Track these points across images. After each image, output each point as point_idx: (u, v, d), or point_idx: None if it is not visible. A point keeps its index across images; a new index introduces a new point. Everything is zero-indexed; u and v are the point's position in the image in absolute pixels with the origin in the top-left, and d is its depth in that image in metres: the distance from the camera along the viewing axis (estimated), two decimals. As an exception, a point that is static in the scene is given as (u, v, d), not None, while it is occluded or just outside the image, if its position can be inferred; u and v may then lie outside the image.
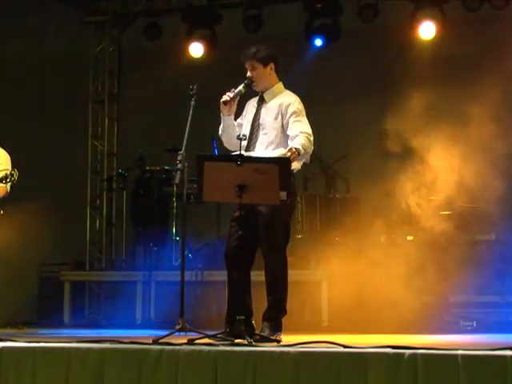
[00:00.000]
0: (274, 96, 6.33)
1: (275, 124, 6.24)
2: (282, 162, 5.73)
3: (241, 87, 6.24)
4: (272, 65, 6.32)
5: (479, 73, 10.37)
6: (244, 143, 6.02)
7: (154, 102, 11.61)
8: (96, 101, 11.86)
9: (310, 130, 6.16)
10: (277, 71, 6.38)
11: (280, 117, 6.24)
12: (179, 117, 6.46)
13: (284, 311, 6.16)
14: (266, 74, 6.31)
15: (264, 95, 6.36)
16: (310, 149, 6.10)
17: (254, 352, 4.98)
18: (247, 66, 6.33)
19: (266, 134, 6.24)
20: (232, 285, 6.23)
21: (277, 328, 6.05)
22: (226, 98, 6.22)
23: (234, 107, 6.30)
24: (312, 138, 6.12)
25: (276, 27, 10.86)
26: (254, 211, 6.05)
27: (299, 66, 10.76)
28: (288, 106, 6.23)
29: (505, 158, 9.81)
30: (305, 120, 6.23)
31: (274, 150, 6.17)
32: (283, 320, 6.15)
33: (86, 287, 10.95)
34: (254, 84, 6.31)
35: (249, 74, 6.30)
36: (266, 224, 6.07)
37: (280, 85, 6.40)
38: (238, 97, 6.27)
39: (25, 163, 11.67)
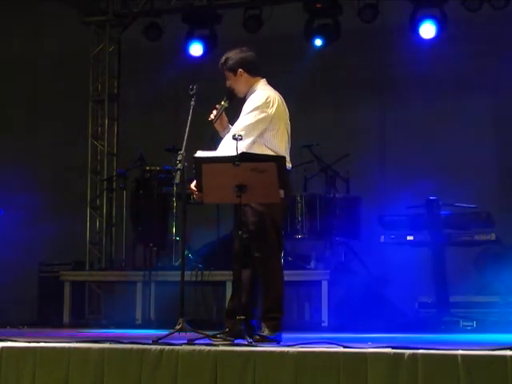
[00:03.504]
0: (250, 95, 6.26)
1: None
2: (279, 160, 5.71)
3: (222, 102, 6.17)
4: (241, 70, 6.21)
5: (479, 73, 10.39)
6: (240, 143, 5.98)
7: (154, 102, 11.61)
8: (96, 101, 11.84)
9: (243, 131, 5.96)
10: (251, 72, 6.24)
11: None
12: (179, 117, 6.46)
13: (281, 311, 6.07)
14: (238, 81, 6.23)
15: (245, 99, 6.34)
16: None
17: (254, 352, 4.98)
18: (225, 75, 6.30)
19: None
20: (234, 284, 6.21)
21: (276, 328, 6.02)
22: (211, 117, 6.19)
23: (225, 121, 6.24)
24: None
25: (276, 27, 10.85)
26: (243, 211, 5.99)
27: (299, 66, 10.76)
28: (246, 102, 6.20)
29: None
30: (250, 118, 6.06)
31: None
32: (283, 320, 6.12)
33: (85, 287, 10.93)
34: (235, 92, 6.25)
35: (227, 83, 6.27)
36: (253, 225, 6.01)
37: (257, 84, 6.26)
38: (224, 111, 6.19)
39: (25, 163, 11.76)
